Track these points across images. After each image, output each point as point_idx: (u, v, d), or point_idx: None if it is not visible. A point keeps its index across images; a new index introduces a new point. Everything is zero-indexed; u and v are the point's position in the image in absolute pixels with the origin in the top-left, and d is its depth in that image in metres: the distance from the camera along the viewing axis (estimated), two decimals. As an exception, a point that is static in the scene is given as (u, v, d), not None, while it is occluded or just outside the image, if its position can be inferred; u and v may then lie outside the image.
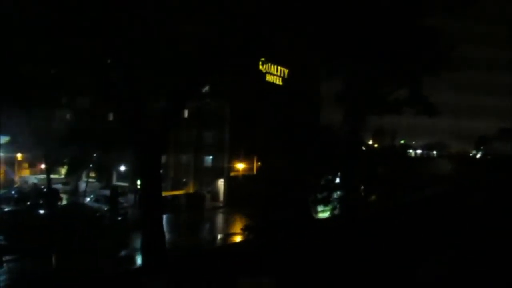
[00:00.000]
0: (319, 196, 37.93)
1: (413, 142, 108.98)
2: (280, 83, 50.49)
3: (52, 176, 41.67)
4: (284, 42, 17.82)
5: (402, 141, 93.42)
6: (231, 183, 46.96)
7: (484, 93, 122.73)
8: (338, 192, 38.36)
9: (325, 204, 38.71)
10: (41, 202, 35.73)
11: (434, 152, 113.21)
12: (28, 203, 35.04)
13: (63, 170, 49.94)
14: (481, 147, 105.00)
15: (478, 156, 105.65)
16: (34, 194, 40.72)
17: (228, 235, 32.32)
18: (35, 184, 48.38)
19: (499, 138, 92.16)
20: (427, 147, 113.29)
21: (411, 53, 14.83)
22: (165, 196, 39.92)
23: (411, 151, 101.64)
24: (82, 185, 46.48)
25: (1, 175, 48.52)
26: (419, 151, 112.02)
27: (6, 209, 33.18)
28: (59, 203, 39.05)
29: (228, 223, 38.61)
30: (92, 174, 50.30)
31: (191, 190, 48.88)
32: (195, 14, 14.20)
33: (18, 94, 23.30)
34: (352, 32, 12.50)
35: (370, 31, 12.46)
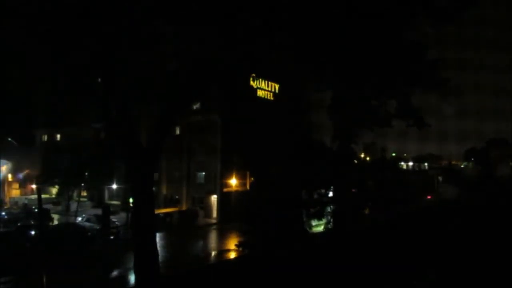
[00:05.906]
0: (312, 210, 38.01)
1: (404, 155, 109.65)
2: (271, 98, 50.76)
3: (42, 196, 41.23)
4: (273, 58, 18.03)
5: (393, 154, 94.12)
6: (224, 199, 46.75)
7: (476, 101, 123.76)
8: (332, 206, 38.47)
9: (319, 218, 38.78)
10: (32, 222, 35.25)
11: (426, 164, 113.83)
12: (19, 224, 34.55)
13: (54, 190, 49.56)
14: (472, 159, 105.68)
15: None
16: (25, 214, 40.23)
17: (222, 252, 32.04)
18: (25, 204, 47.84)
19: (487, 149, 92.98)
20: (418, 160, 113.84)
21: (397, 66, 15.08)
22: (158, 214, 39.63)
23: (402, 163, 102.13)
24: (74, 205, 46.07)
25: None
26: (410, 163, 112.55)
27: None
28: (50, 223, 38.56)
29: (222, 239, 38.33)
30: (84, 194, 49.95)
31: (183, 207, 48.58)
32: (188, 32, 14.39)
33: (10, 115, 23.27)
34: (338, 47, 12.72)
35: (356, 45, 12.68)
